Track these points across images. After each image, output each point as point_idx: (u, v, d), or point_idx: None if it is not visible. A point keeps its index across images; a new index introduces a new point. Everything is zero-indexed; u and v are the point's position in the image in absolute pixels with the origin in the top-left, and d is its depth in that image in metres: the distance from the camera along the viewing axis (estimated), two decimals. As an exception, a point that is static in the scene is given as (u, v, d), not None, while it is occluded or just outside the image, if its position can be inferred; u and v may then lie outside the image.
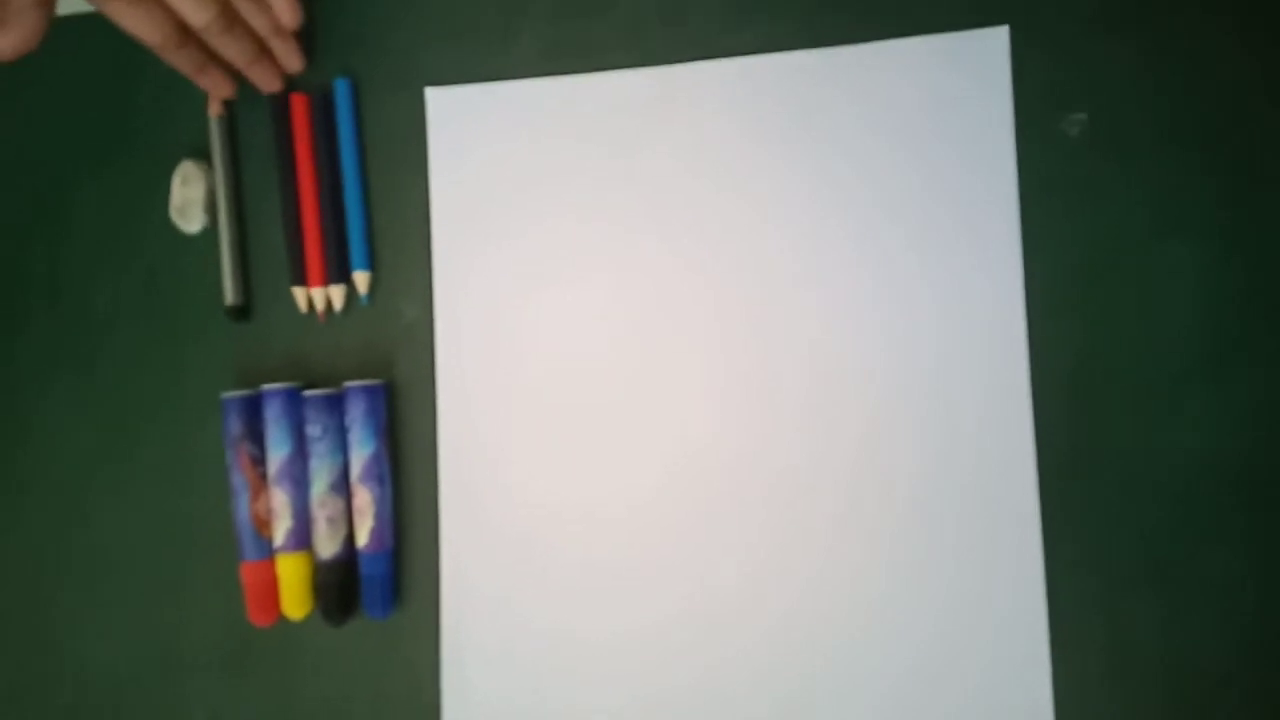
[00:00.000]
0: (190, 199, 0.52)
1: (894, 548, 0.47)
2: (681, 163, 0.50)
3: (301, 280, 0.52)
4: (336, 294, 0.51)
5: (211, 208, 0.53)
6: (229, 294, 0.52)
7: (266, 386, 0.50)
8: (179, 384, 0.53)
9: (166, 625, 0.52)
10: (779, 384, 0.48)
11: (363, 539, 0.49)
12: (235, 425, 0.50)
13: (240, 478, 0.50)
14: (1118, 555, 0.45)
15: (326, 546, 0.49)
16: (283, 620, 0.50)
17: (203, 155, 0.53)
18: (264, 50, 0.51)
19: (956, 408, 0.47)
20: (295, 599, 0.49)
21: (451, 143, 0.51)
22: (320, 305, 0.52)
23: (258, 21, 0.49)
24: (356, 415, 0.49)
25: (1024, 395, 0.46)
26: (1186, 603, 0.45)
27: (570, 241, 0.50)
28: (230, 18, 0.48)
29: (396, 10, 0.52)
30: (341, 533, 0.49)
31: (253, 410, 0.50)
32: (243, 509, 0.50)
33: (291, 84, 0.53)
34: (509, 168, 0.51)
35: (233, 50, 0.49)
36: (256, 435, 0.50)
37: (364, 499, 0.49)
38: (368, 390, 0.49)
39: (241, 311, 0.52)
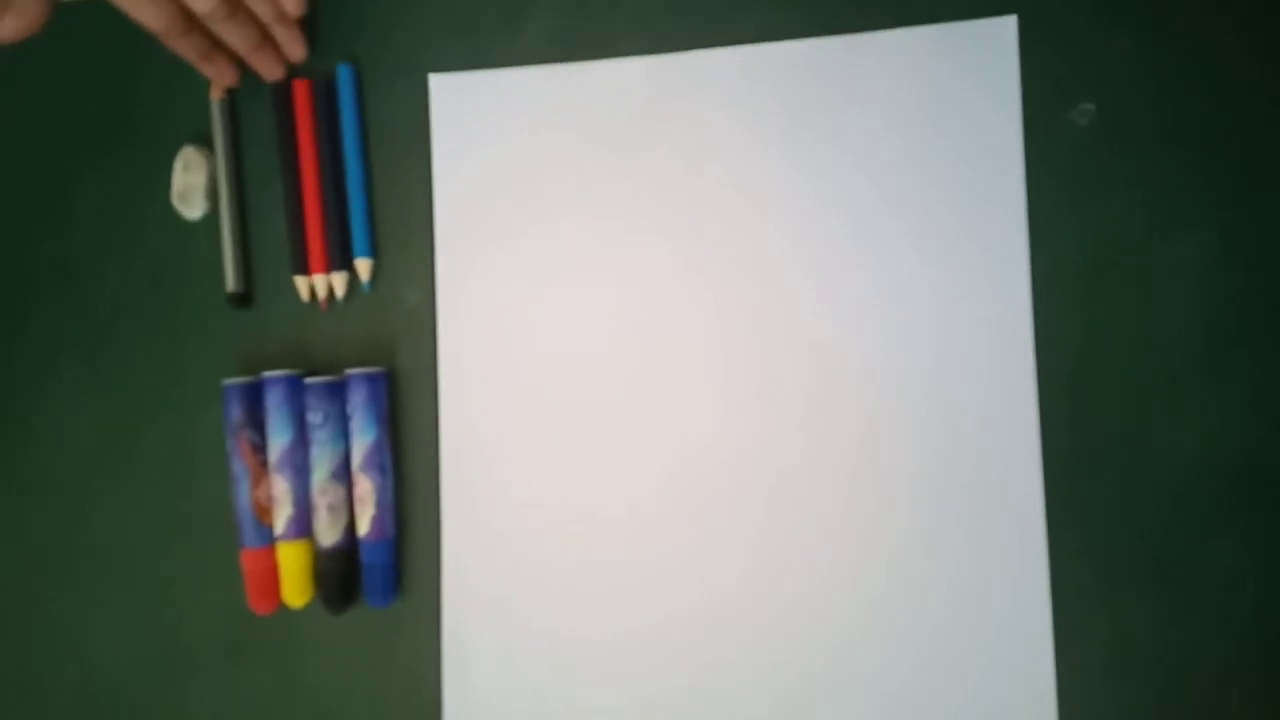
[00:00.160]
0: (192, 185, 0.52)
1: (897, 546, 0.47)
2: (687, 150, 0.49)
3: (303, 267, 0.51)
4: (338, 281, 0.51)
5: (213, 194, 0.52)
6: (230, 281, 0.52)
7: (268, 374, 0.50)
8: (180, 371, 0.53)
9: (167, 613, 0.52)
10: (781, 381, 0.48)
11: (364, 527, 0.49)
12: (236, 412, 0.50)
13: (241, 465, 0.50)
14: (1119, 552, 0.45)
15: (327, 534, 0.49)
16: (283, 608, 0.50)
17: (205, 142, 0.53)
18: (267, 38, 0.50)
19: (961, 404, 0.46)
20: (296, 587, 0.49)
21: (455, 130, 0.51)
22: (322, 292, 0.51)
23: (261, 8, 0.49)
24: (358, 403, 0.49)
25: (1030, 391, 0.46)
26: (1187, 600, 0.45)
27: (574, 231, 0.50)
28: (233, 4, 0.47)
29: (400, -4, 0.52)
30: (343, 521, 0.49)
31: (254, 397, 0.50)
32: (243, 496, 0.50)
33: (294, 70, 0.52)
34: (513, 155, 0.51)
35: (236, 37, 0.49)
36: (257, 423, 0.50)
37: (365, 487, 0.49)
38: (369, 378, 0.49)
39: (243, 298, 0.52)
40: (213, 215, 0.53)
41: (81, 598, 0.53)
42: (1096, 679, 0.45)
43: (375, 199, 0.52)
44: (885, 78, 0.48)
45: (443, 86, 0.51)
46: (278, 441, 0.49)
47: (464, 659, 0.49)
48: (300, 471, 0.49)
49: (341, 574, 0.49)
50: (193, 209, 0.52)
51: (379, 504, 0.49)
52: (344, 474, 0.49)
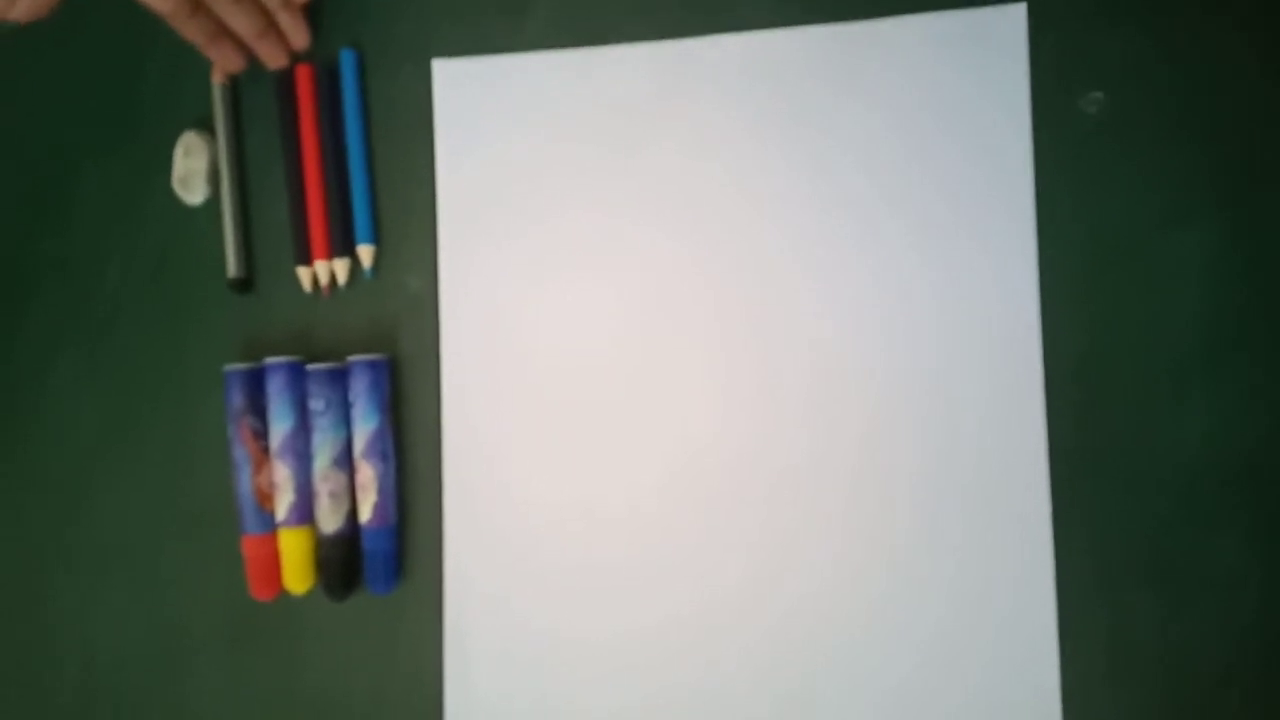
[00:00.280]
0: (193, 170, 0.52)
1: (899, 544, 0.46)
2: (691, 138, 0.49)
3: (305, 253, 0.51)
4: (340, 267, 0.51)
5: (214, 179, 0.52)
6: (232, 266, 0.52)
7: (269, 359, 0.50)
8: (182, 357, 0.52)
9: (169, 600, 0.52)
10: (783, 378, 0.48)
11: (366, 514, 0.49)
12: (237, 398, 0.50)
13: (242, 451, 0.50)
14: (1121, 549, 0.45)
15: (329, 521, 0.49)
16: (285, 595, 0.50)
17: (206, 127, 0.52)
18: (272, 23, 0.50)
19: (965, 400, 0.46)
20: (297, 573, 0.49)
21: (458, 115, 0.51)
22: (324, 279, 0.51)
23: None
24: (360, 390, 0.49)
25: (1036, 386, 0.46)
26: (1189, 597, 0.44)
27: (577, 221, 0.50)
28: None
29: (403, -20, 0.52)
30: (344, 507, 0.49)
31: (255, 383, 0.50)
32: (245, 483, 0.49)
33: (296, 55, 0.52)
34: (517, 142, 0.50)
35: (240, 21, 0.49)
36: (259, 409, 0.50)
37: (367, 474, 0.49)
38: (371, 365, 0.49)
39: (244, 284, 0.52)
40: (214, 201, 0.52)
41: (83, 586, 0.53)
42: (1098, 676, 0.45)
43: (378, 185, 0.51)
44: (892, 65, 0.48)
45: (446, 72, 0.51)
46: (279, 428, 0.49)
47: (465, 646, 0.49)
48: (302, 458, 0.49)
49: (343, 561, 0.49)
50: (194, 194, 0.52)
51: (381, 491, 0.49)
52: (346, 461, 0.49)
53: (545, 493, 0.49)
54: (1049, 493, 0.45)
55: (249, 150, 0.53)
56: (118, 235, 0.53)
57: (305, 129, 0.51)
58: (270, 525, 0.50)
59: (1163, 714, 0.45)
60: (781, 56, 0.48)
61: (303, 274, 0.51)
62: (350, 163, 0.51)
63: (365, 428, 0.49)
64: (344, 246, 0.51)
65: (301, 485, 0.49)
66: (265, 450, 0.50)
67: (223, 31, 0.50)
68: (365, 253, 0.51)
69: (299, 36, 0.51)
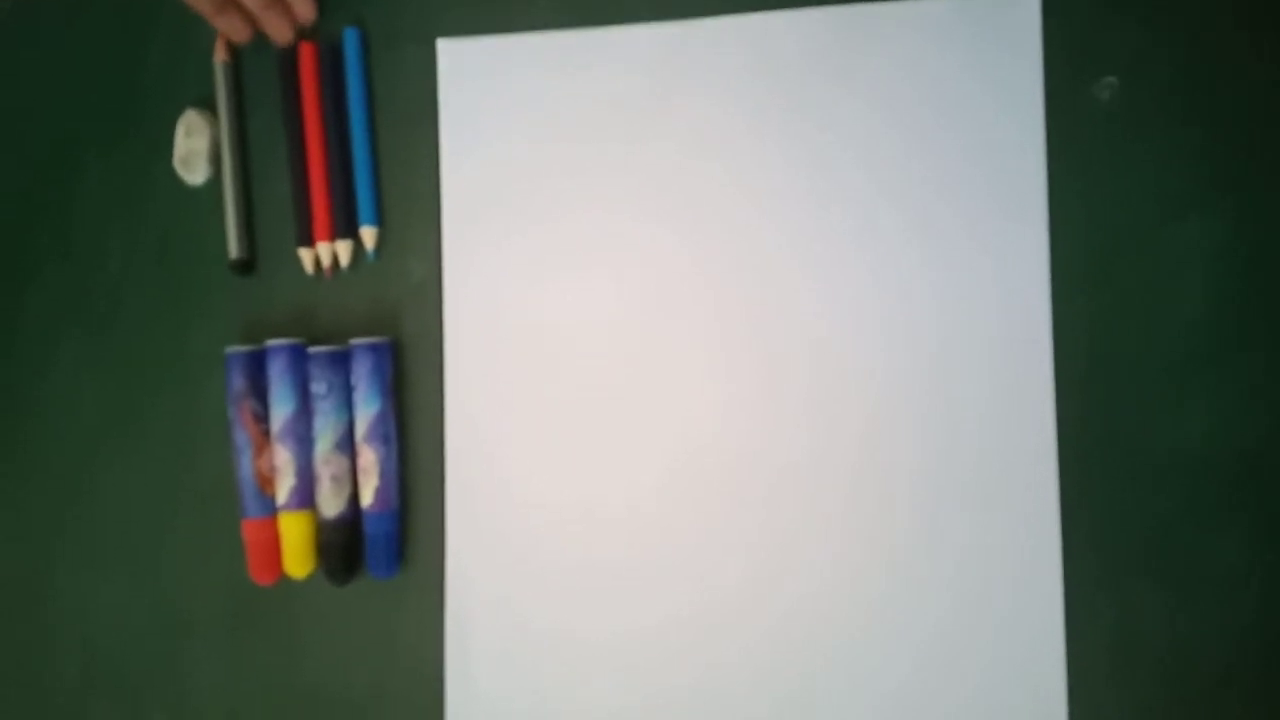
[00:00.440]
0: (194, 150, 0.51)
1: (904, 541, 0.46)
2: (700, 121, 0.48)
3: (307, 235, 0.51)
4: (343, 249, 0.50)
5: (216, 159, 0.52)
6: (233, 248, 0.51)
7: (270, 342, 0.49)
8: (183, 339, 0.52)
9: (169, 583, 0.52)
10: (787, 370, 0.47)
11: (367, 498, 0.48)
12: (238, 381, 0.49)
13: (243, 434, 0.49)
14: (1126, 545, 0.45)
15: (331, 505, 0.49)
16: (285, 579, 0.50)
17: (208, 106, 0.52)
18: None
19: (975, 392, 0.46)
20: (297, 558, 0.49)
21: (463, 96, 0.50)
22: (326, 261, 0.51)
23: None
24: (362, 373, 0.48)
25: (1046, 378, 0.45)
26: (1193, 593, 0.44)
27: (584, 208, 0.49)
28: None
29: (408, -42, 0.51)
30: (346, 492, 0.49)
31: (256, 366, 0.50)
32: (245, 466, 0.49)
33: (300, 33, 0.51)
34: (522, 124, 0.50)
35: None
36: (260, 391, 0.49)
37: (369, 458, 0.48)
38: (374, 348, 0.49)
39: (246, 266, 0.51)
40: (215, 181, 0.52)
41: (83, 569, 0.52)
42: (1102, 672, 0.45)
43: (381, 166, 0.51)
44: (904, 48, 0.47)
45: (451, 52, 0.50)
46: (281, 411, 0.49)
47: (466, 631, 0.49)
48: (303, 441, 0.49)
49: (344, 545, 0.49)
50: (195, 174, 0.52)
51: (383, 475, 0.48)
52: (347, 444, 0.49)
53: (547, 481, 0.49)
54: (1057, 486, 0.45)
55: (251, 130, 0.52)
56: (119, 216, 0.53)
57: (308, 109, 0.51)
58: (271, 509, 0.49)
59: (1167, 710, 0.44)
60: (793, 37, 0.48)
61: (305, 256, 0.51)
62: (353, 143, 0.50)
63: (367, 411, 0.48)
64: (347, 228, 0.50)
65: (303, 469, 0.49)
66: (266, 433, 0.49)
67: (230, 1, 0.49)
68: (368, 235, 0.50)
69: (305, 9, 0.50)
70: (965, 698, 0.45)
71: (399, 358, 0.50)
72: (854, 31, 0.47)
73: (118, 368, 0.53)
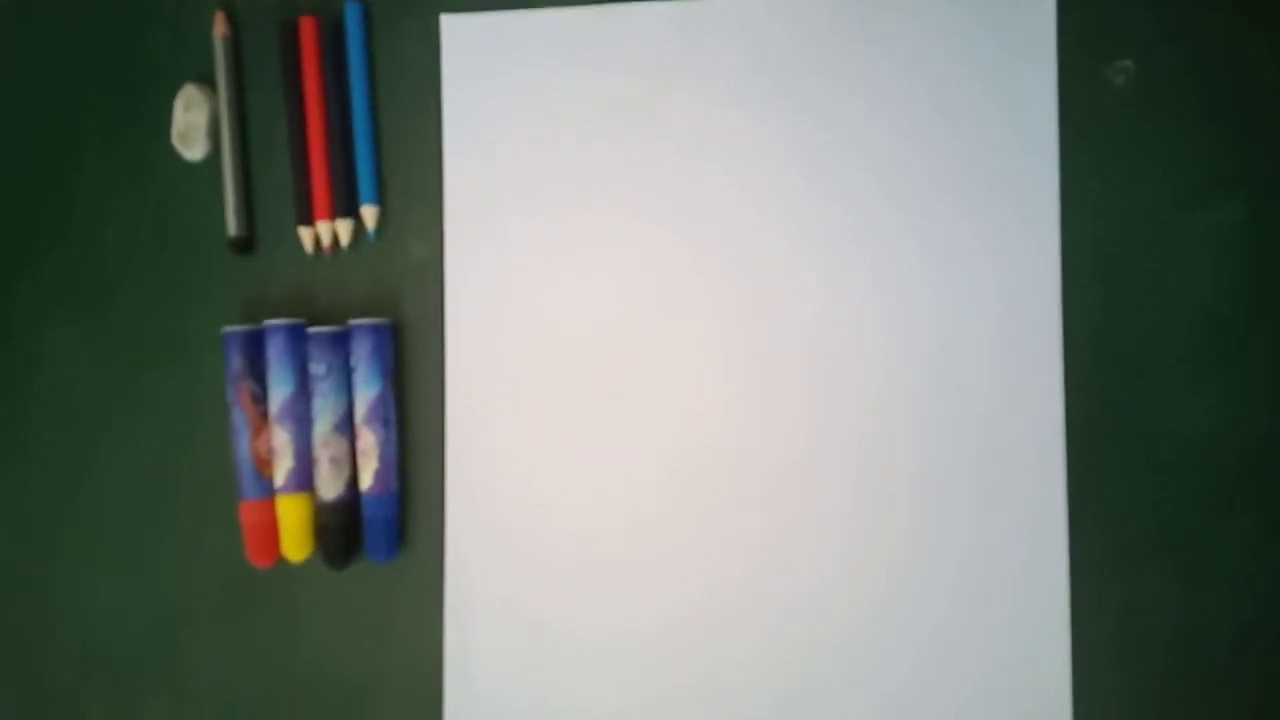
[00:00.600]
0: (193, 125, 0.51)
1: (912, 524, 0.46)
2: (709, 102, 0.48)
3: (308, 213, 0.50)
4: (343, 229, 0.50)
5: (215, 134, 0.51)
6: (232, 225, 0.50)
7: (269, 322, 0.49)
8: (180, 317, 0.51)
9: (166, 566, 0.51)
10: (793, 361, 0.47)
11: (366, 481, 0.48)
12: (237, 361, 0.49)
13: (241, 415, 0.49)
14: (1134, 528, 0.45)
15: (329, 488, 0.48)
16: (282, 562, 0.49)
17: (207, 81, 0.51)
18: None
19: (984, 377, 0.45)
20: (295, 541, 0.48)
21: (467, 73, 0.49)
22: (326, 240, 0.50)
23: None
24: (362, 354, 0.48)
25: (1055, 364, 0.45)
26: (1201, 576, 0.44)
27: (588, 191, 0.48)
28: None
29: (412, -68, 0.50)
30: (345, 474, 0.48)
31: (255, 346, 0.49)
32: (243, 447, 0.49)
33: (300, 8, 0.50)
34: (526, 102, 0.49)
35: None
36: (258, 372, 0.49)
37: (368, 441, 0.48)
38: (374, 329, 0.48)
39: (245, 244, 0.51)
40: (214, 157, 0.51)
41: (80, 553, 0.52)
42: (1108, 659, 0.44)
43: (383, 144, 0.50)
44: (916, 29, 0.46)
45: (455, 28, 0.49)
46: (279, 392, 0.48)
47: (466, 615, 0.48)
48: (302, 423, 0.48)
49: (343, 528, 0.48)
50: (193, 150, 0.51)
51: (382, 458, 0.48)
52: (347, 426, 0.48)
53: (548, 469, 0.48)
54: (1064, 470, 0.45)
55: (251, 106, 0.51)
56: (116, 192, 0.52)
57: (309, 84, 0.50)
58: (269, 491, 0.49)
59: (1173, 697, 0.44)
60: (803, 19, 0.47)
61: (304, 234, 0.50)
62: (355, 120, 0.50)
63: (367, 393, 0.48)
64: (347, 207, 0.50)
65: (301, 451, 0.48)
66: (264, 415, 0.49)
67: None
68: (369, 214, 0.50)
69: None
70: (971, 685, 0.45)
71: (399, 339, 0.50)
72: (861, 17, 0.47)
73: (114, 347, 0.52)
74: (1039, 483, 0.45)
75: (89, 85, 0.52)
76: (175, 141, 0.51)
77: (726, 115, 0.47)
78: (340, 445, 0.48)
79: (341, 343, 0.48)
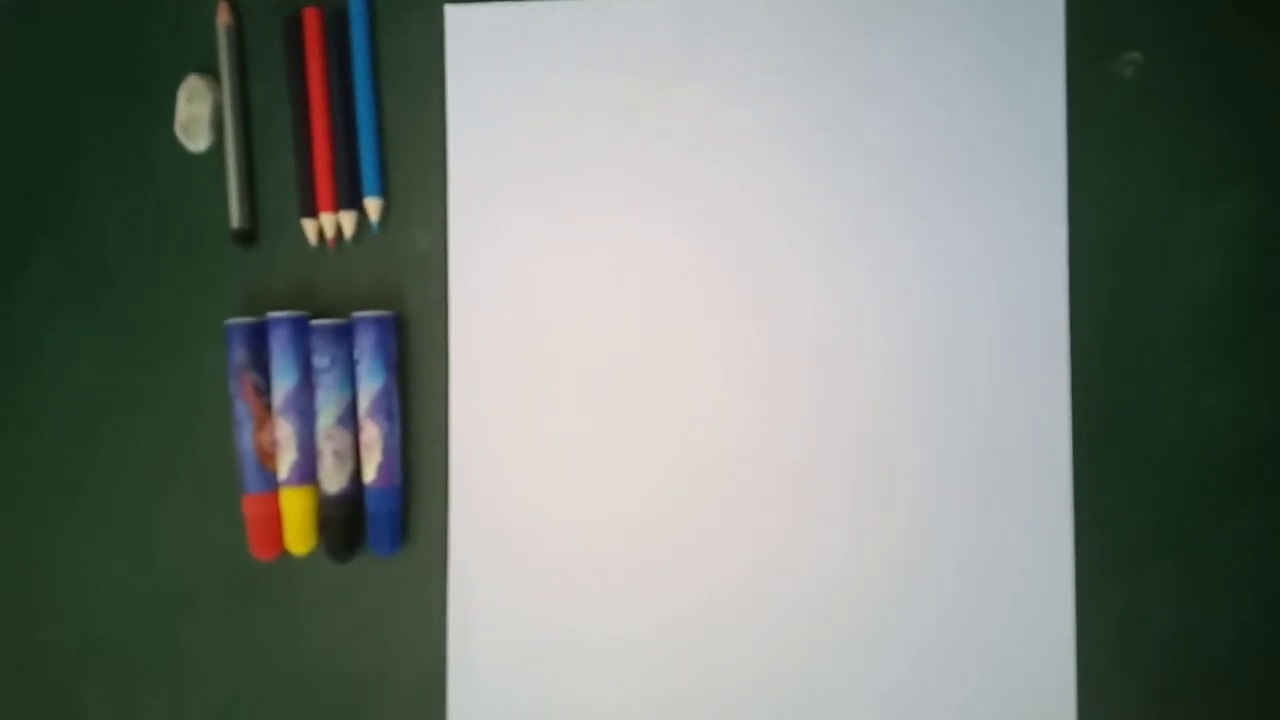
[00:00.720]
0: (196, 116, 0.50)
1: (917, 523, 0.46)
2: (713, 96, 0.47)
3: (311, 205, 0.50)
4: (347, 220, 0.50)
5: (218, 125, 0.51)
6: (235, 217, 0.50)
7: (272, 314, 0.48)
8: (183, 309, 0.51)
9: (168, 558, 0.51)
10: (795, 357, 0.47)
11: (370, 474, 0.48)
12: (240, 353, 0.48)
13: (244, 408, 0.48)
14: (1140, 523, 0.44)
15: (333, 481, 0.48)
16: (285, 555, 0.49)
17: (211, 72, 0.51)
18: None
19: (989, 372, 0.45)
20: (299, 534, 0.48)
21: (470, 65, 0.49)
22: (330, 232, 0.50)
23: None
24: (366, 347, 0.48)
25: (1062, 358, 0.45)
26: (1205, 575, 0.44)
27: (593, 176, 0.48)
28: None
29: (416, -77, 0.50)
30: (348, 467, 0.48)
31: (258, 338, 0.49)
32: (246, 440, 0.48)
33: (304, -2, 0.50)
34: (530, 94, 0.49)
35: None
36: (262, 364, 0.49)
37: (372, 434, 0.48)
38: (378, 322, 0.48)
39: (248, 236, 0.50)
40: (217, 148, 0.51)
41: (81, 544, 0.52)
42: (1112, 656, 0.44)
43: (386, 136, 0.50)
44: (919, 23, 0.46)
45: (459, 19, 0.49)
46: (282, 384, 0.48)
47: (469, 608, 0.48)
48: (305, 416, 0.48)
49: (346, 521, 0.48)
50: (197, 141, 0.51)
51: (385, 451, 0.48)
52: (350, 419, 0.48)
53: (551, 462, 0.48)
54: (1070, 465, 0.45)
55: (254, 97, 0.51)
56: (118, 184, 0.52)
57: (312, 76, 0.49)
58: (272, 484, 0.48)
59: (1176, 694, 0.44)
60: (808, 13, 0.47)
61: (308, 226, 0.50)
62: (358, 112, 0.49)
63: (370, 386, 0.48)
64: (351, 199, 0.49)
65: (304, 443, 0.48)
66: (268, 407, 0.49)
67: None
68: (372, 206, 0.49)
69: None
70: (974, 684, 0.45)
71: (403, 332, 0.49)
72: (865, 12, 0.46)
73: (117, 340, 0.52)
74: (1043, 482, 0.45)
75: (91, 77, 0.52)
76: (178, 133, 0.51)
77: (729, 110, 0.47)
78: (344, 438, 0.48)
79: (345, 335, 0.48)
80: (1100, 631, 0.44)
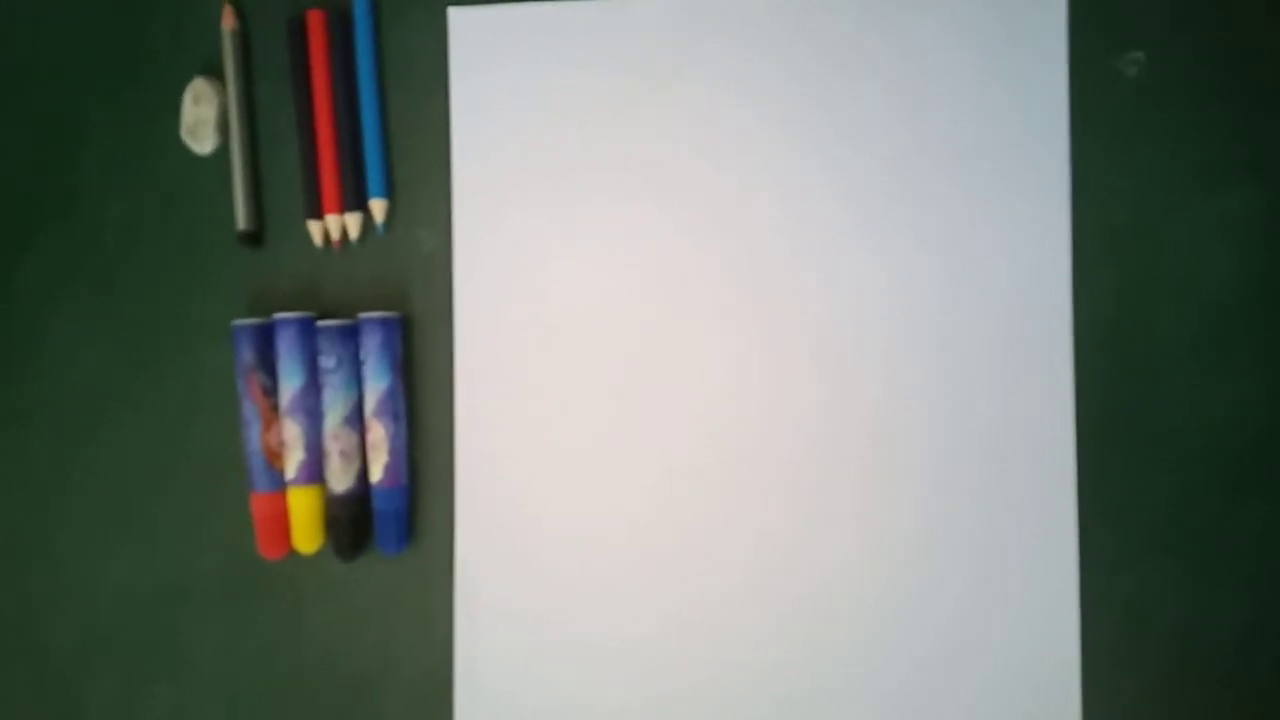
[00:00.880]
0: (202, 118, 0.51)
1: (923, 518, 0.46)
2: (716, 94, 0.48)
3: (316, 206, 0.50)
4: (352, 222, 0.50)
5: (224, 128, 0.51)
6: (241, 219, 0.50)
7: (279, 315, 0.49)
8: (187, 310, 0.52)
9: (174, 553, 0.51)
10: (802, 351, 0.47)
11: (376, 474, 0.48)
12: (247, 354, 0.49)
13: (252, 407, 0.49)
14: (1144, 520, 0.44)
15: (340, 480, 0.48)
16: (293, 554, 0.49)
17: (216, 74, 0.51)
18: None
19: (993, 366, 0.45)
20: (306, 533, 0.49)
21: (475, 67, 0.49)
22: (335, 233, 0.50)
23: None
24: (372, 348, 0.48)
25: (1066, 352, 0.45)
26: (1211, 568, 0.44)
27: (597, 176, 0.48)
28: None
29: (419, -75, 0.50)
30: (355, 467, 0.48)
31: (265, 339, 0.49)
32: (254, 440, 0.49)
33: (308, 1, 0.50)
34: (535, 94, 0.49)
35: None
36: (269, 365, 0.49)
37: (378, 433, 0.48)
38: (384, 322, 0.48)
39: (253, 237, 0.51)
40: (223, 150, 0.51)
41: (82, 539, 0.52)
42: (1117, 650, 0.44)
43: (391, 138, 0.50)
44: (923, 19, 0.46)
45: (463, 21, 0.49)
46: (289, 385, 0.48)
47: (476, 608, 0.49)
48: (312, 416, 0.48)
49: (353, 520, 0.48)
50: (203, 143, 0.51)
51: (392, 451, 0.48)
52: (357, 420, 0.48)
53: (556, 462, 0.48)
54: (1074, 461, 0.45)
55: (260, 99, 0.51)
56: (123, 182, 0.52)
57: (317, 78, 0.50)
58: (280, 483, 0.49)
59: (1181, 688, 0.44)
60: (811, 9, 0.47)
61: (313, 228, 0.50)
62: (363, 114, 0.50)
63: (377, 386, 0.48)
64: (356, 200, 0.50)
65: (312, 443, 0.48)
66: (275, 407, 0.49)
67: None
68: (378, 207, 0.50)
69: None
70: (980, 679, 0.45)
71: (409, 332, 0.50)
72: (869, 8, 0.46)
73: (124, 340, 0.52)
74: (1047, 477, 0.45)
75: (96, 77, 0.53)
76: (184, 135, 0.51)
77: (733, 107, 0.47)
78: (350, 438, 0.48)
79: (351, 336, 0.48)
80: (1104, 627, 0.44)
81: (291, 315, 0.48)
